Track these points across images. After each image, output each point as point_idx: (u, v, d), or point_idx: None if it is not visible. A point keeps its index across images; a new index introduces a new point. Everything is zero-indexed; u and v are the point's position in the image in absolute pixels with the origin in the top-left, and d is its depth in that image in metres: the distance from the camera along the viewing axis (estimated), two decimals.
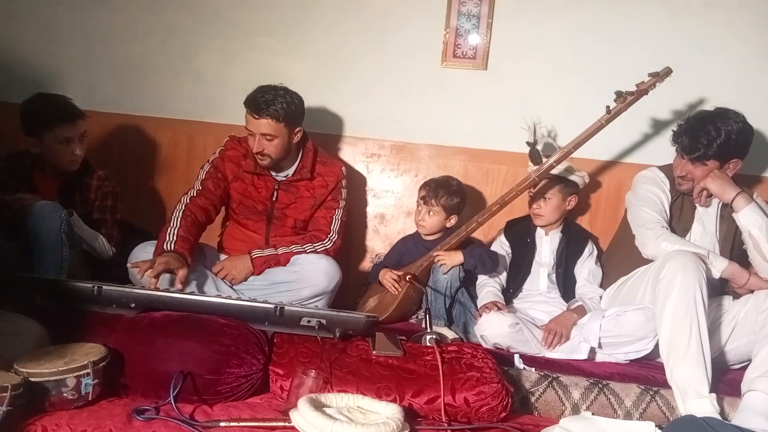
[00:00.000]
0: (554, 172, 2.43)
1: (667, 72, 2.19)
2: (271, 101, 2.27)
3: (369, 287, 2.60)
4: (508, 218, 2.67)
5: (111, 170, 2.53)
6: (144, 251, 2.22)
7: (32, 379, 1.49)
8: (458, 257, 2.33)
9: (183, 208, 2.30)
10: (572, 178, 2.45)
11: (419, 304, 2.47)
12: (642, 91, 2.18)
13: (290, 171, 2.46)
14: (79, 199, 2.41)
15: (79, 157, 2.36)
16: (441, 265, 2.34)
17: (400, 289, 2.38)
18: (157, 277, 2.01)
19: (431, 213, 2.47)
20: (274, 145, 2.33)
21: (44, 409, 1.52)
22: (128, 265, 2.17)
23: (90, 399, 1.57)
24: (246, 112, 2.32)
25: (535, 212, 2.47)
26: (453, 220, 2.48)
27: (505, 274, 2.48)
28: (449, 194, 2.46)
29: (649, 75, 2.19)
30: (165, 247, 2.14)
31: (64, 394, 1.52)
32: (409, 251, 2.53)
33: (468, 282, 2.42)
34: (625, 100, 2.18)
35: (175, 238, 2.18)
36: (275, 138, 2.32)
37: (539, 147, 2.47)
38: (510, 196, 2.32)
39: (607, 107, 2.20)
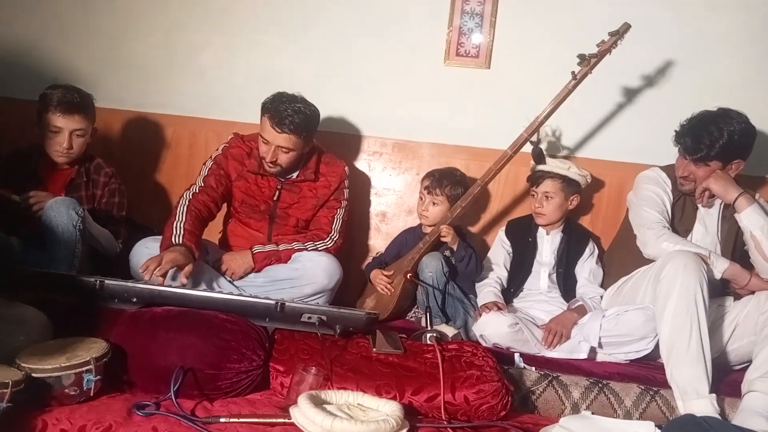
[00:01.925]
0: (559, 172, 2.44)
1: (626, 28, 2.17)
2: (294, 115, 2.24)
3: (368, 286, 2.60)
4: (510, 217, 2.67)
5: (113, 166, 2.52)
6: (145, 247, 2.22)
7: (34, 375, 1.49)
8: (455, 240, 2.35)
9: (187, 203, 2.29)
10: (574, 177, 2.45)
11: (413, 298, 2.48)
12: (604, 51, 2.18)
13: (294, 173, 2.46)
14: (86, 195, 2.40)
15: (67, 152, 2.31)
16: (443, 237, 2.34)
17: (392, 290, 2.39)
18: (164, 275, 1.99)
19: (435, 203, 2.47)
20: (288, 156, 2.32)
21: (46, 404, 1.52)
22: (139, 269, 2.08)
23: (91, 394, 1.57)
24: (264, 119, 2.28)
25: (537, 211, 2.47)
26: None
27: (505, 273, 2.48)
28: (453, 184, 2.47)
29: (610, 34, 2.18)
30: (173, 240, 2.13)
31: (66, 390, 1.52)
32: (409, 244, 2.53)
33: (454, 275, 2.42)
34: (589, 62, 2.18)
35: (182, 232, 2.16)
36: (291, 151, 2.31)
37: (542, 146, 2.47)
38: (489, 176, 2.33)
39: (573, 72, 2.20)
